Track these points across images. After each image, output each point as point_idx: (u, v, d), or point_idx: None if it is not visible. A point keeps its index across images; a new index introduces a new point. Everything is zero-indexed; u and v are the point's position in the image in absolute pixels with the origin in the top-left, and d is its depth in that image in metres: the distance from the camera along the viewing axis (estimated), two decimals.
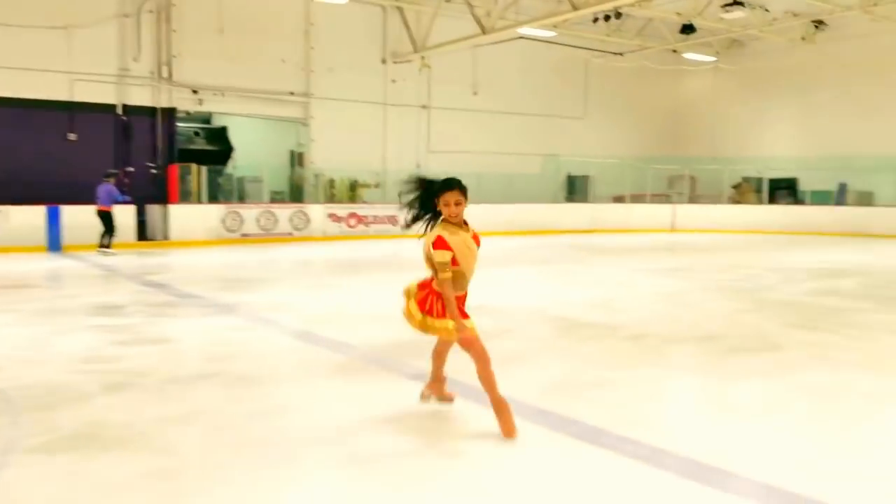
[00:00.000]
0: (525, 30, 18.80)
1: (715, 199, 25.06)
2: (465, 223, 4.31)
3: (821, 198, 23.29)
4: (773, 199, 24.13)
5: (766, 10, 20.77)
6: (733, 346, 6.72)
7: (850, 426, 4.53)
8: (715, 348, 6.62)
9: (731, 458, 3.91)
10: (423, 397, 4.68)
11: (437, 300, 4.24)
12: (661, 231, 23.13)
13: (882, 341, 7.08)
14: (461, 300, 4.33)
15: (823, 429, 4.49)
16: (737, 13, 16.78)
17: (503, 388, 4.30)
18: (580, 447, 4.09)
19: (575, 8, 15.90)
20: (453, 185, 4.24)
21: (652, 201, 24.76)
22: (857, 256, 15.29)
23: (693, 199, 25.30)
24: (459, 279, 4.24)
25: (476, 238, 4.34)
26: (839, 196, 23.02)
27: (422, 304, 4.31)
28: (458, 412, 4.64)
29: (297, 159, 21.12)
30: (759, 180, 24.59)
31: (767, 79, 24.90)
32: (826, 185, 23.24)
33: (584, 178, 24.50)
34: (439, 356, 4.61)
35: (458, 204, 4.20)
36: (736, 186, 25.11)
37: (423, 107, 22.48)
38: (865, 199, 22.63)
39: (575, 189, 24.97)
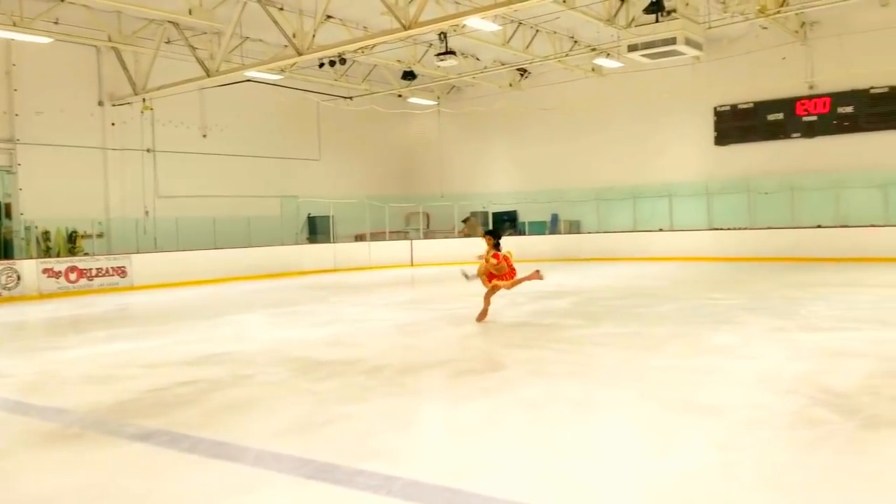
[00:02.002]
0: (252, 73, 18.68)
1: (447, 233, 26.53)
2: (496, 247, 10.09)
3: (537, 228, 25.64)
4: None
5: (478, 59, 22.65)
6: (462, 369, 7.15)
7: (561, 432, 5.02)
8: (446, 373, 7.00)
9: (457, 476, 4.15)
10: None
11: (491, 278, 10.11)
12: (401, 266, 23.96)
13: (588, 353, 7.93)
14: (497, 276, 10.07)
15: (539, 437, 4.92)
16: (450, 61, 18.09)
17: (235, 436, 4.22)
18: (310, 486, 4.11)
19: (299, 53, 16.11)
20: (486, 232, 10.46)
21: (391, 238, 25.58)
22: (569, 278, 16.98)
23: (428, 235, 26.56)
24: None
25: (496, 256, 10.00)
26: (552, 225, 25.50)
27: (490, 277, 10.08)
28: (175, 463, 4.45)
29: (2, 210, 18.94)
30: (485, 214, 26.49)
31: (485, 121, 27.04)
32: (541, 216, 25.63)
33: (325, 219, 24.71)
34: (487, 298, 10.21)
35: (487, 241, 10.17)
36: (465, 220, 26.79)
37: (148, 150, 21.34)
38: (574, 228, 25.30)
39: (316, 229, 25.08)
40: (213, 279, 19.59)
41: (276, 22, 16.09)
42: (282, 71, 20.24)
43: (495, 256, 9.99)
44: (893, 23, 18.38)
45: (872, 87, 19.58)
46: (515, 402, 5.82)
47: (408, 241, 25.17)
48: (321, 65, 20.43)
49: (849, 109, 19.97)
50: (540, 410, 5.57)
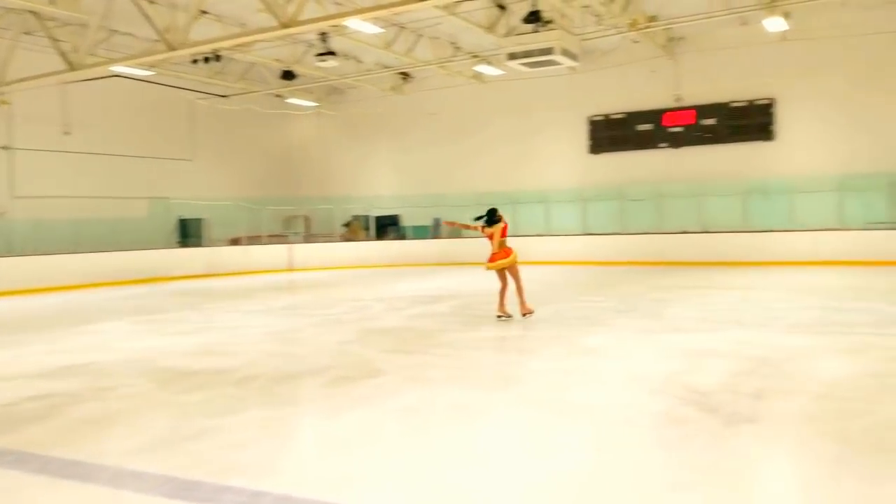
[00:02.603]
0: (119, 68, 17.70)
1: (329, 237, 26.13)
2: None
3: (420, 232, 25.68)
4: (380, 235, 25.94)
5: (360, 62, 22.45)
6: (339, 376, 6.97)
7: (441, 438, 4.95)
8: (322, 381, 6.81)
9: (332, 488, 4.00)
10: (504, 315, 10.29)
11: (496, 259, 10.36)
12: (279, 271, 23.37)
13: (467, 356, 7.93)
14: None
15: (418, 445, 4.84)
16: (331, 62, 17.83)
17: (91, 453, 3.90)
18: None
19: (171, 48, 15.41)
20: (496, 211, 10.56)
21: (269, 242, 24.91)
22: (449, 282, 17.08)
23: (308, 239, 26.05)
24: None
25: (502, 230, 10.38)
26: (434, 230, 25.62)
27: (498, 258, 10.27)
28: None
29: None
30: (367, 218, 26.28)
31: (367, 124, 26.85)
32: (423, 220, 25.69)
33: (198, 221, 23.77)
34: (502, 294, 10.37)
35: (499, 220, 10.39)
36: (346, 224, 26.48)
37: (4, 148, 19.85)
38: (456, 232, 25.48)
39: (188, 233, 24.07)
40: (74, 285, 18.41)
41: (146, 15, 15.32)
42: (152, 67, 19.31)
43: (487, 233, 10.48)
44: (752, 40, 19.57)
45: (732, 101, 20.81)
46: (394, 409, 5.72)
47: (287, 245, 24.60)
48: (195, 61, 19.65)
49: (711, 122, 21.14)
50: (419, 417, 5.49)
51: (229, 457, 4.62)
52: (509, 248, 10.35)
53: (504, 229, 10.35)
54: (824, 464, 4.18)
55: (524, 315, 10.21)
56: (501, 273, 10.40)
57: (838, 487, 3.85)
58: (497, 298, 10.45)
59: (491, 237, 10.33)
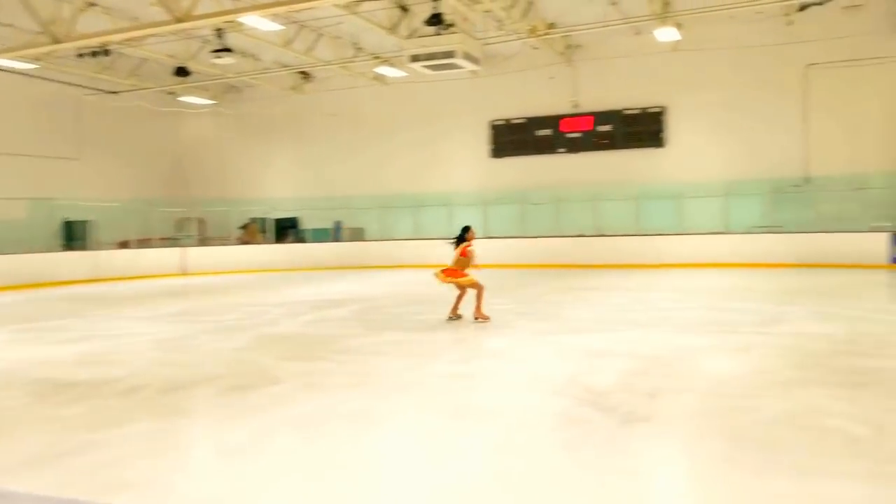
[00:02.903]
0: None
1: (225, 240, 25.36)
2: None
3: (320, 235, 25.27)
4: (279, 238, 25.38)
5: (258, 59, 21.90)
6: (232, 385, 6.70)
7: (338, 448, 4.80)
8: (213, 391, 6.53)
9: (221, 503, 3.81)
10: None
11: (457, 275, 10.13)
12: (171, 275, 22.48)
13: (368, 362, 7.79)
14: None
15: (314, 455, 4.68)
16: (227, 59, 17.28)
17: None
18: None
19: (56, 41, 14.61)
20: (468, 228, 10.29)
21: (160, 245, 23.94)
22: (351, 287, 16.86)
23: (203, 242, 25.19)
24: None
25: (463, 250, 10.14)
26: (336, 233, 25.28)
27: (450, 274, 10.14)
28: None
29: None
30: (265, 220, 25.65)
31: (266, 124, 26.23)
32: (325, 223, 25.31)
33: (84, 224, 22.57)
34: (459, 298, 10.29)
35: (470, 238, 10.19)
36: (244, 227, 25.77)
37: None
38: (358, 235, 25.25)
39: (73, 235, 22.82)
40: None
41: (28, 5, 14.42)
42: (36, 60, 18.24)
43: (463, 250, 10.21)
44: (646, 50, 20.26)
45: (626, 109, 21.49)
46: (289, 418, 5.52)
47: (179, 249, 23.71)
48: (82, 55, 18.67)
49: (607, 128, 21.76)
50: (316, 426, 5.32)
51: (112, 473, 4.34)
52: (464, 273, 10.13)
53: (464, 249, 10.16)
54: (715, 461, 4.30)
55: (476, 319, 10.09)
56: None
57: (729, 484, 3.96)
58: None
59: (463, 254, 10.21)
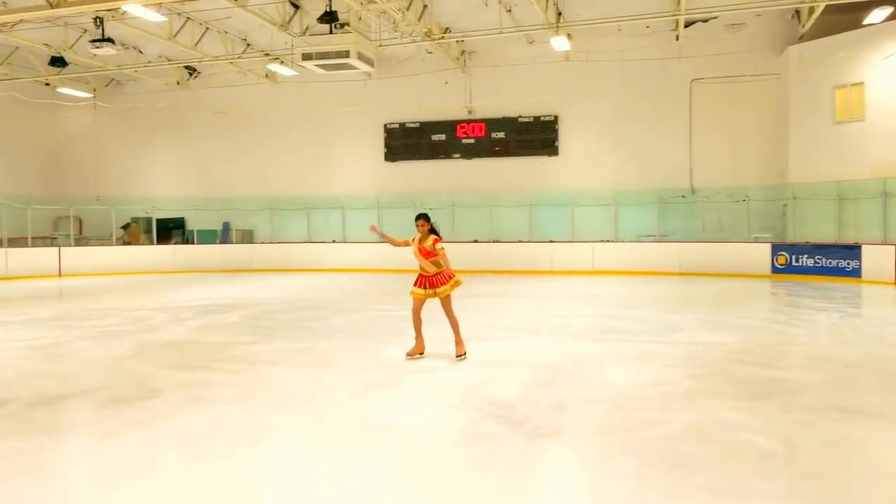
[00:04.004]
0: None
1: (104, 240, 23.95)
2: (431, 234, 7.94)
3: (207, 237, 24.27)
4: (162, 239, 24.20)
5: (141, 52, 20.80)
6: (111, 398, 6.21)
7: (226, 467, 4.46)
8: (91, 404, 6.03)
9: None
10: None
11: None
12: (47, 277, 21.01)
13: (258, 372, 7.41)
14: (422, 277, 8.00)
15: (200, 475, 4.32)
16: (107, 50, 16.22)
17: None
18: None
19: None
20: (419, 216, 8.11)
21: (34, 245, 22.34)
22: (240, 291, 16.20)
23: (80, 242, 23.69)
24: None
25: (438, 241, 7.93)
26: (224, 235, 24.34)
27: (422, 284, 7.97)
28: None
29: None
30: (149, 220, 24.40)
31: (149, 119, 24.96)
32: (212, 224, 24.33)
33: None
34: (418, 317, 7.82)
35: (421, 226, 7.99)
36: (125, 227, 24.43)
37: None
38: (248, 237, 24.41)
39: None
40: None
41: None
42: None
43: (437, 241, 7.87)
44: (538, 58, 20.56)
45: (520, 116, 21.74)
46: (173, 434, 5.13)
47: (55, 249, 22.20)
48: None
49: (501, 135, 21.94)
50: (201, 443, 4.95)
51: None
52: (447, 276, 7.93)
53: (435, 243, 7.95)
54: (628, 479, 4.22)
55: (462, 356, 7.70)
56: (421, 302, 7.95)
57: None
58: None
59: (426, 254, 7.90)
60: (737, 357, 7.85)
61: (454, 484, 4.11)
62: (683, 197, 20.14)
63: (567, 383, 6.60)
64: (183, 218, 24.88)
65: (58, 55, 18.95)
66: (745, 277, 17.88)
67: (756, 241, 18.75)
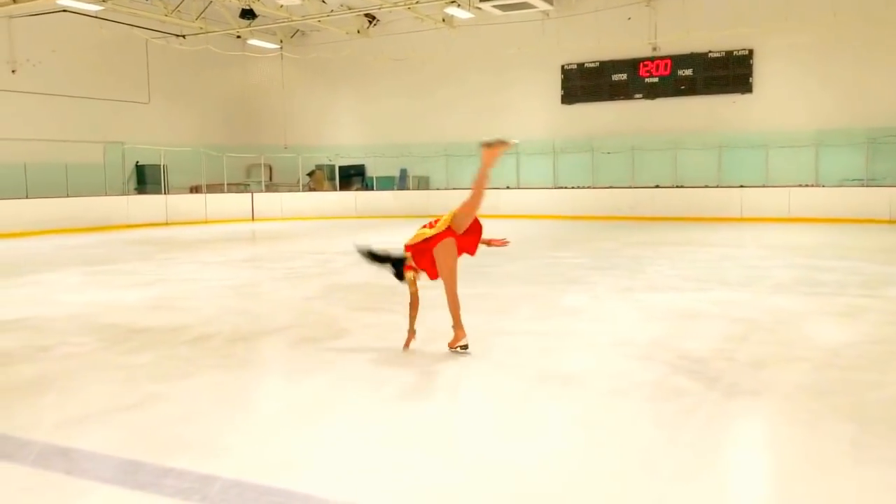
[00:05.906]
0: (66, 1, 16.54)
1: (291, 187, 25.30)
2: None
3: (385, 183, 24.96)
4: (344, 186, 25.17)
5: (324, 2, 21.36)
6: (302, 336, 6.45)
7: (407, 412, 4.45)
8: (283, 341, 6.29)
9: (288, 468, 3.49)
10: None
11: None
12: (240, 221, 22.59)
13: (437, 317, 7.40)
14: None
15: (383, 418, 4.33)
16: (293, 1, 16.79)
17: (17, 425, 3.35)
18: (99, 494, 3.30)
19: None
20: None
21: (230, 191, 24.04)
22: None
23: (270, 188, 25.21)
24: None
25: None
26: (401, 181, 24.91)
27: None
28: None
29: None
30: (332, 167, 25.44)
31: (331, 69, 25.81)
32: (390, 171, 24.96)
33: (156, 168, 22.75)
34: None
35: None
36: (310, 174, 25.65)
37: None
38: (423, 184, 24.84)
39: (146, 179, 23.07)
40: (23, 232, 17.52)
41: None
42: (104, 1, 18.15)
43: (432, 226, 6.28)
44: None
45: (710, 52, 20.28)
46: (359, 375, 5.20)
47: (248, 195, 23.75)
48: None
49: (688, 72, 20.61)
50: (384, 385, 4.97)
51: (175, 431, 4.07)
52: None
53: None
54: (844, 445, 3.73)
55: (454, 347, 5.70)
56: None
57: (861, 474, 3.41)
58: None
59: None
60: None
61: (647, 441, 3.83)
62: None
63: (765, 339, 6.05)
64: (363, 165, 25.67)
65: (248, 7, 19.90)
66: None
67: None
